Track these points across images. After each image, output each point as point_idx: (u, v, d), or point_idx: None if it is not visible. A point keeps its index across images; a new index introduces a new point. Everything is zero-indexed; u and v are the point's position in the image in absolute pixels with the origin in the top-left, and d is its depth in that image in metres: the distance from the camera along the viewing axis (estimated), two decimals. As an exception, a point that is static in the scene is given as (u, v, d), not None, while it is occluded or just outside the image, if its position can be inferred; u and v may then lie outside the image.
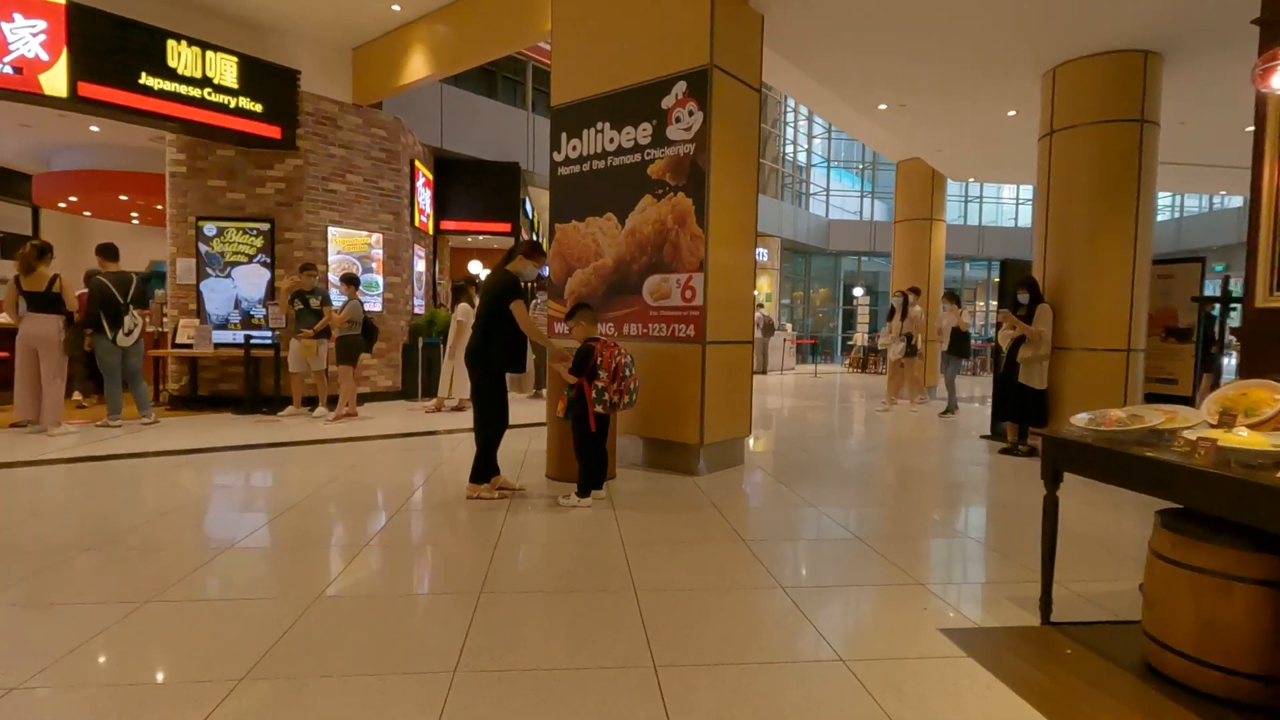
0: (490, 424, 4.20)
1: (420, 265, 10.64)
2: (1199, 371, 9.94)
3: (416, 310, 10.33)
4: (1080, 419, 2.51)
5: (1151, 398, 6.29)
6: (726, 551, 3.33)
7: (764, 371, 15.64)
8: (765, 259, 20.51)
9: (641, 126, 5.22)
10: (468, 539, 3.49)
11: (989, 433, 7.17)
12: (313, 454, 5.63)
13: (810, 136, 24.58)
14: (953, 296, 8.86)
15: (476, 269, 13.27)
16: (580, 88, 5.60)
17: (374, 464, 5.27)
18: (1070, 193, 6.14)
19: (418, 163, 10.22)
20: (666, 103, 5.07)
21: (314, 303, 7.51)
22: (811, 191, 24.98)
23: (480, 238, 13.37)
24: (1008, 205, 27.16)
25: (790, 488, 4.75)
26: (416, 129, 10.67)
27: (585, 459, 4.08)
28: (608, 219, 5.46)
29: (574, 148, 5.67)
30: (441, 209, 11.84)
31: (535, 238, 13.59)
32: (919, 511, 4.27)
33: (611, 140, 5.41)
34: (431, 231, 11.46)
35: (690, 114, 4.95)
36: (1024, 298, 6.13)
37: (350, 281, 7.49)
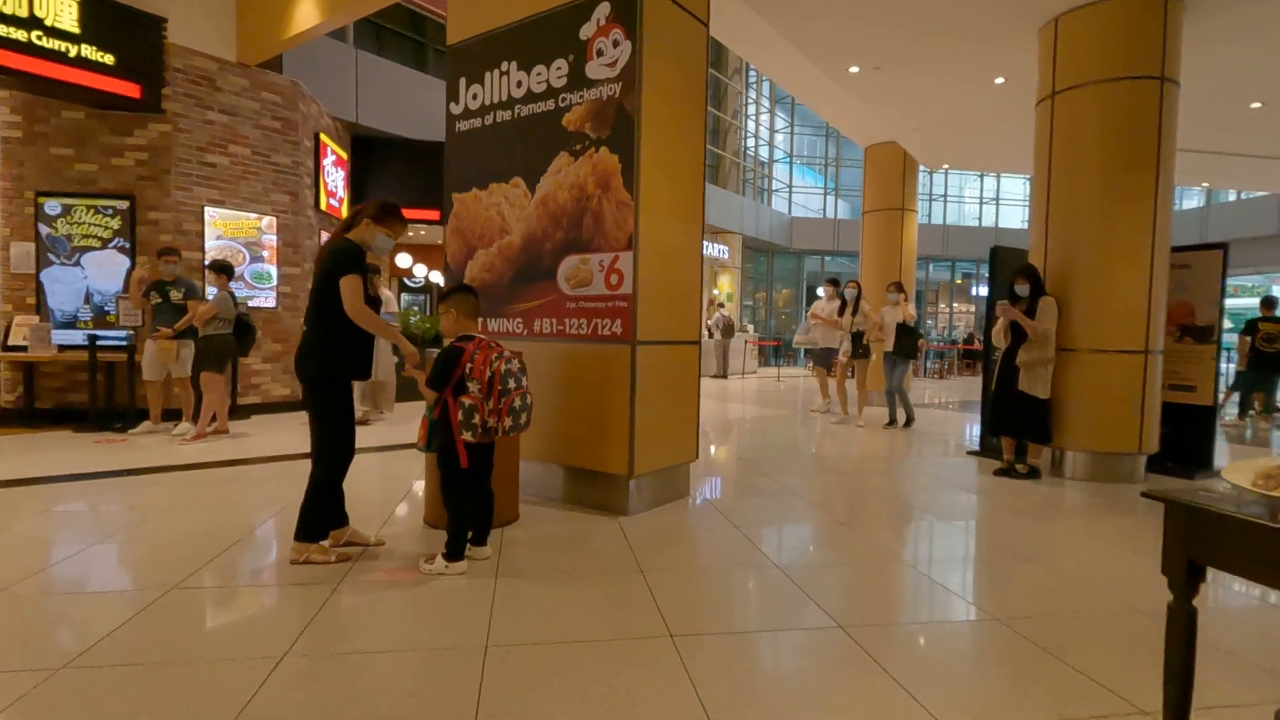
0: (325, 455, 2.98)
1: (330, 255, 9.26)
2: (1267, 393, 8.96)
3: (325, 307, 8.96)
4: (1240, 474, 1.42)
5: (1166, 408, 5.35)
6: (646, 660, 2.18)
7: (724, 375, 14.61)
8: (726, 256, 19.55)
9: (555, 64, 4.05)
10: (241, 649, 2.26)
11: (977, 447, 6.19)
12: (132, 489, 4.31)
13: (772, 130, 23.73)
14: (899, 286, 7.70)
15: (405, 263, 11.87)
16: (482, 19, 4.40)
17: (200, 504, 3.99)
18: (1076, 165, 5.17)
19: (325, 137, 8.87)
20: (585, 31, 3.91)
21: (175, 296, 6.15)
22: (774, 188, 24.15)
23: (420, 230, 12.00)
24: (970, 204, 26.78)
25: (746, 534, 3.62)
26: (327, 101, 9.32)
27: (455, 508, 2.89)
28: (515, 185, 4.28)
29: (474, 96, 4.47)
30: (360, 193, 10.48)
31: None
32: (915, 574, 3.19)
33: (519, 84, 4.23)
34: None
35: (615, 45, 3.80)
36: (1023, 289, 5.14)
37: (221, 270, 6.13)
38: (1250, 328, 8.37)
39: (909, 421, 7.56)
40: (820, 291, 8.90)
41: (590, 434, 3.95)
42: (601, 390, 3.89)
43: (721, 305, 16.98)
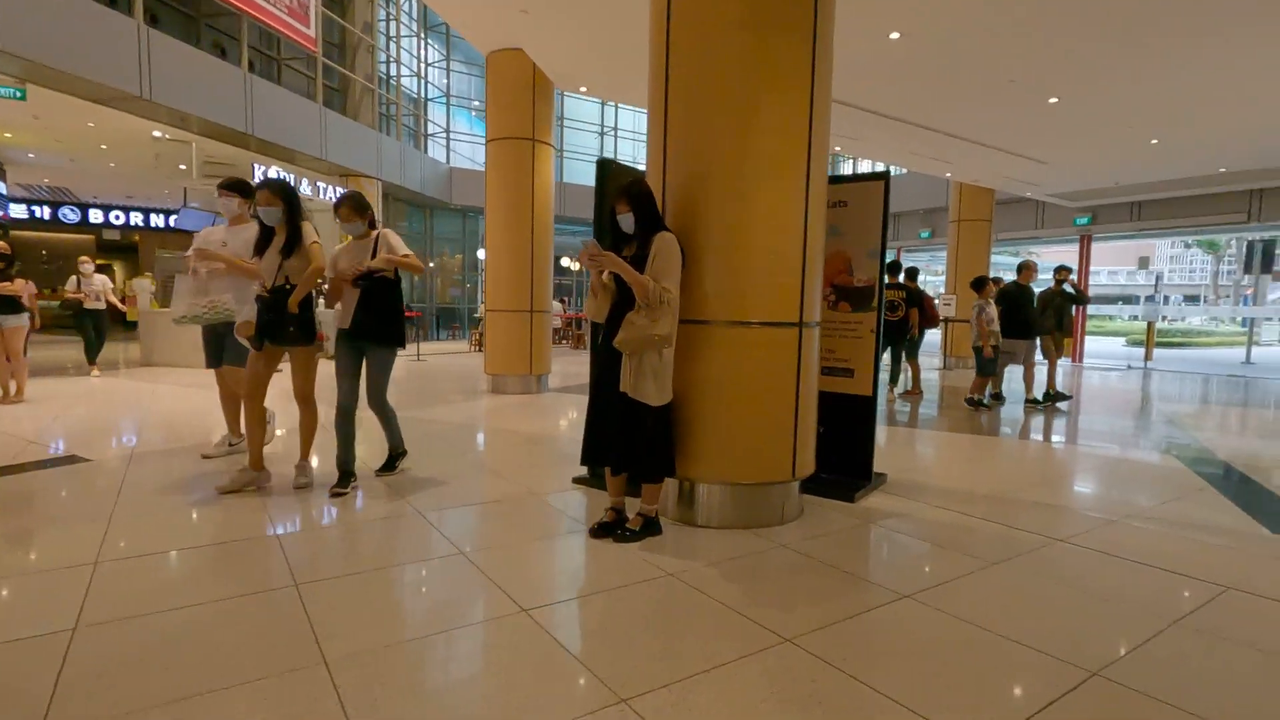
0: None
1: None
2: (893, 358, 8.32)
3: None
4: None
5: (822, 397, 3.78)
6: None
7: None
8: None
9: None
10: None
11: (585, 472, 4.10)
12: None
13: (423, 62, 20.16)
14: (357, 206, 3.81)
15: None
16: None
17: None
18: (707, 20, 3.17)
19: None
20: None
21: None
22: (430, 132, 20.70)
23: None
24: (587, 163, 23.60)
25: None
26: None
27: None
28: None
29: None
30: None
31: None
32: None
33: None
34: None
35: None
36: (627, 221, 3.01)
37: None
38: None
39: (345, 476, 3.71)
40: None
41: None
42: None
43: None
